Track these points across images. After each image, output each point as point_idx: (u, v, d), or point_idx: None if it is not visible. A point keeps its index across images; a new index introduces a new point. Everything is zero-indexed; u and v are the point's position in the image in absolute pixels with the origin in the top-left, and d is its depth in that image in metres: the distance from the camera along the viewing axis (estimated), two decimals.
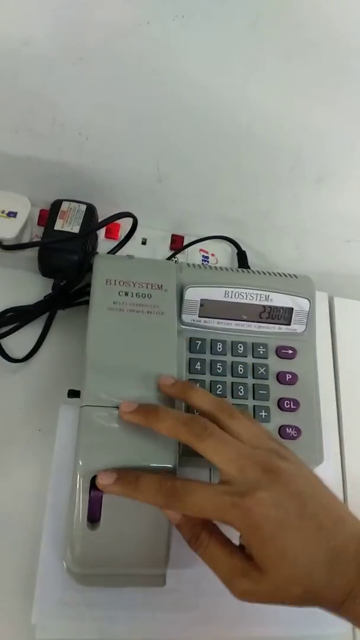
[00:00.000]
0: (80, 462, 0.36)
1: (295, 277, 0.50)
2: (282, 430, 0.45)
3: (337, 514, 0.34)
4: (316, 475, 0.36)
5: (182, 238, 0.61)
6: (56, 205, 0.54)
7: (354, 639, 0.44)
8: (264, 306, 0.48)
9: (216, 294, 0.47)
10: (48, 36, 0.44)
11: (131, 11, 0.41)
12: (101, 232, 0.59)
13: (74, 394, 0.43)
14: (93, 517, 0.36)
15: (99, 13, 0.42)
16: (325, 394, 0.54)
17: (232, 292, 0.47)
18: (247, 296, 0.47)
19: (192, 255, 0.61)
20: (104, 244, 0.58)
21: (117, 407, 0.38)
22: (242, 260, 0.60)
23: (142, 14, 0.41)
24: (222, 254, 0.61)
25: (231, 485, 0.33)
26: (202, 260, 0.61)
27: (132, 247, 0.59)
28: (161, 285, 0.46)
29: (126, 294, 0.44)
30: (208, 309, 0.47)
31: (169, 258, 0.59)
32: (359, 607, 0.32)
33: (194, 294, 0.47)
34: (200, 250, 0.61)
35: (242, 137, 0.50)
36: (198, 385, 0.45)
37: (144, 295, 0.45)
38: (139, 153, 0.53)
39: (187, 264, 0.50)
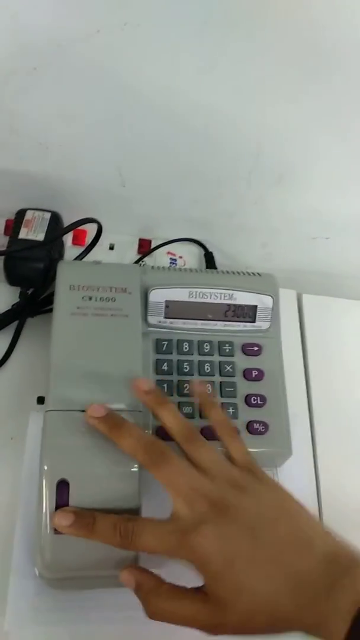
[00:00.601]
0: (46, 467, 0.36)
1: (259, 275, 0.51)
2: (250, 426, 0.45)
3: (303, 538, 0.34)
4: (286, 497, 0.36)
5: (149, 242, 0.62)
6: (20, 214, 0.55)
7: None
8: (228, 305, 0.48)
9: (181, 294, 0.48)
10: (1, 47, 0.44)
11: (81, 21, 0.42)
12: (68, 239, 0.59)
13: (43, 400, 0.43)
14: None
15: (50, 23, 0.42)
16: (295, 389, 0.55)
17: (196, 292, 0.48)
18: (211, 296, 0.48)
19: (160, 258, 0.61)
20: (71, 251, 0.59)
21: (82, 411, 0.38)
22: (209, 261, 0.61)
23: (91, 23, 0.42)
24: (190, 256, 0.62)
25: (179, 520, 0.34)
26: (170, 262, 0.61)
27: (100, 253, 0.59)
28: (125, 289, 0.46)
29: (90, 298, 0.45)
30: (173, 309, 0.48)
31: (137, 262, 0.60)
32: (334, 631, 0.30)
33: (158, 296, 0.47)
34: (168, 253, 0.62)
35: (200, 139, 0.51)
36: (166, 386, 0.46)
37: (107, 299, 0.45)
38: (100, 159, 0.54)
39: (152, 266, 0.50)
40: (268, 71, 0.46)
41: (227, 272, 0.51)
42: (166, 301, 0.47)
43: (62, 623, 0.39)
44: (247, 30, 0.43)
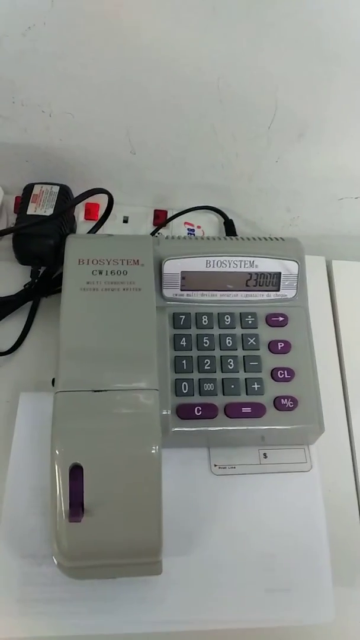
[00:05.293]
0: (57, 452, 0.34)
1: (282, 240, 0.47)
2: (277, 402, 0.42)
3: None
4: None
5: (165, 213, 0.59)
6: (28, 189, 0.52)
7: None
8: (249, 273, 0.45)
9: (197, 264, 0.44)
10: None
11: None
12: (80, 214, 0.57)
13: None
14: (76, 507, 0.34)
15: None
16: (327, 361, 0.52)
17: (214, 261, 0.45)
18: (230, 264, 0.45)
19: (177, 229, 0.58)
20: (83, 226, 0.56)
21: (95, 391, 0.36)
22: (229, 229, 0.57)
23: None
24: (209, 226, 0.58)
25: None
26: (188, 233, 0.58)
27: (113, 227, 0.57)
28: (137, 260, 0.43)
29: (100, 272, 0.42)
30: (190, 281, 0.45)
31: (152, 234, 0.57)
32: None
33: (173, 267, 0.44)
34: (185, 223, 0.58)
35: (212, 93, 0.47)
36: (185, 362, 0.43)
37: (119, 272, 0.42)
38: (107, 124, 0.50)
39: (166, 236, 0.47)
40: (278, 15, 0.41)
41: (247, 238, 0.47)
42: (182, 272, 0.44)
43: (61, 614, 0.37)
44: None
